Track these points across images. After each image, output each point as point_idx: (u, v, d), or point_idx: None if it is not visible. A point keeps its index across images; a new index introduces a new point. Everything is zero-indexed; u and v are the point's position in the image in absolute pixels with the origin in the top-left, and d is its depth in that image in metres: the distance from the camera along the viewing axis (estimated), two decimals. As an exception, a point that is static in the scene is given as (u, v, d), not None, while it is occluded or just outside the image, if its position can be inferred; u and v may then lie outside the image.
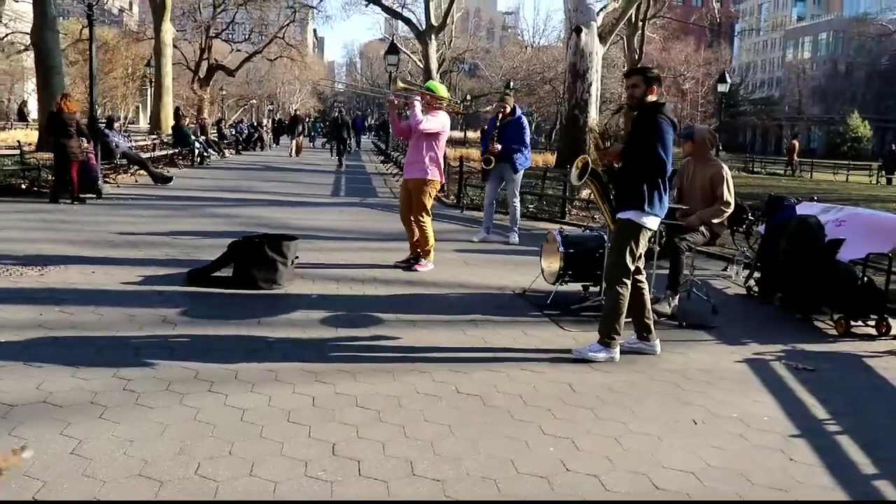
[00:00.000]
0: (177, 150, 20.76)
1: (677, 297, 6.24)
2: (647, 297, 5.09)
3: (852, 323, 6.13)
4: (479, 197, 13.22)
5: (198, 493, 2.96)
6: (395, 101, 7.63)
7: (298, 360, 4.65)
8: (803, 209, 7.85)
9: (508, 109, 9.16)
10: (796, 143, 38.85)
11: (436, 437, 3.61)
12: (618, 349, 4.90)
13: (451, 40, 51.72)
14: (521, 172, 9.32)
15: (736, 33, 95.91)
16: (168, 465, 3.18)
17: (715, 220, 6.41)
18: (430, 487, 3.12)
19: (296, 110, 26.21)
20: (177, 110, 25.17)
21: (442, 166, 7.57)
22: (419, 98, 7.34)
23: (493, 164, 9.14)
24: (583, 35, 20.80)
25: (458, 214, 12.80)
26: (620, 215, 4.87)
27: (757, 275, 7.33)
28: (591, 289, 6.48)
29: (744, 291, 7.38)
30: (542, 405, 4.08)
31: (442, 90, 7.65)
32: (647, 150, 4.71)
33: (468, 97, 49.95)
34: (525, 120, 9.40)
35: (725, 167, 6.53)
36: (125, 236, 8.85)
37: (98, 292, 6.12)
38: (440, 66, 48.70)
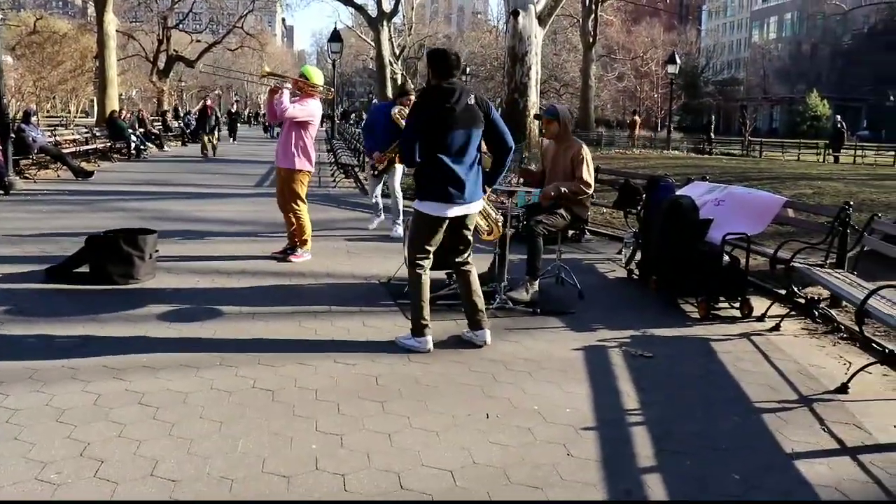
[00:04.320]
0: (111, 144, 20.38)
1: (537, 282, 6.08)
2: (475, 286, 4.93)
3: (720, 305, 6.05)
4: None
5: None
6: (274, 88, 7.41)
7: (109, 355, 4.47)
8: (691, 189, 7.76)
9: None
10: (637, 119, 39.82)
11: (200, 435, 3.45)
12: (428, 338, 4.74)
13: (411, 26, 51.32)
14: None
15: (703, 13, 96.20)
16: None
17: (574, 196, 6.21)
18: (160, 488, 3.00)
19: (204, 101, 23.74)
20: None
21: (312, 156, 7.36)
22: (289, 85, 7.14)
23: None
24: (520, 18, 20.59)
25: (368, 202, 12.54)
26: None
27: (639, 257, 7.21)
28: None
29: (625, 275, 7.27)
30: (332, 399, 3.91)
31: (316, 76, 7.43)
32: None
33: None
34: None
35: (585, 147, 6.35)
36: (10, 234, 8.60)
37: (-61, 291, 5.90)
38: (401, 52, 48.36)
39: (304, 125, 7.18)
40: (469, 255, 4.97)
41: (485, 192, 4.96)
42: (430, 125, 4.61)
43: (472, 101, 4.66)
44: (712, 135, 36.12)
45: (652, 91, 57.71)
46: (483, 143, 4.87)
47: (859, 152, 31.47)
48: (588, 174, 6.21)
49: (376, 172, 8.85)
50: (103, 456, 3.24)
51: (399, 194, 9.08)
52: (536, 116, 14.14)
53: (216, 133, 24.02)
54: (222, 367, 4.35)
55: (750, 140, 36.70)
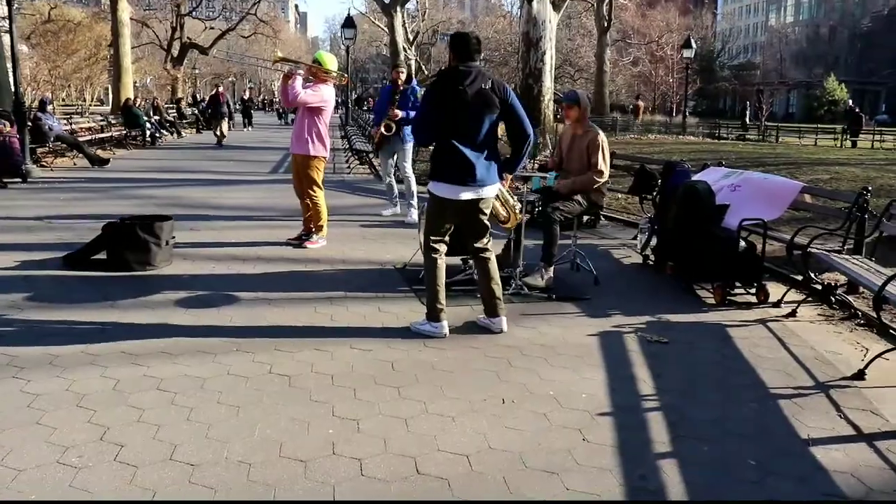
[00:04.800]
0: (126, 132, 20.46)
1: (552, 268, 6.08)
2: (493, 273, 4.92)
3: (736, 290, 6.02)
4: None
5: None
6: (287, 73, 7.43)
7: (127, 341, 4.52)
8: (707, 174, 7.72)
9: (404, 77, 8.95)
10: (641, 104, 39.90)
11: (217, 420, 3.49)
12: (444, 323, 4.75)
13: (424, 12, 51.10)
14: (412, 143, 9.08)
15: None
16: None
17: (588, 186, 6.22)
18: (179, 472, 3.03)
19: (216, 88, 23.57)
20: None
21: (326, 141, 7.37)
22: (302, 70, 7.15)
23: (393, 131, 8.88)
24: (534, 3, 20.48)
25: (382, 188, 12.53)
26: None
27: (654, 243, 7.18)
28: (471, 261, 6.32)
29: (640, 261, 7.24)
30: (349, 385, 3.93)
31: (330, 62, 7.42)
32: None
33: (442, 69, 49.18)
34: (419, 90, 9.13)
35: (602, 134, 6.32)
36: (27, 221, 8.67)
37: (-41, 278, 5.96)
38: (414, 38, 48.14)
39: (317, 111, 7.19)
40: (488, 241, 4.95)
41: (503, 178, 4.94)
42: (440, 106, 4.60)
43: (487, 85, 4.62)
44: (747, 121, 35.99)
45: (667, 76, 57.22)
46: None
47: (877, 137, 31.09)
48: (603, 162, 6.19)
49: (376, 147, 9.18)
50: (123, 440, 3.27)
51: (412, 176, 9.10)
52: (557, 101, 14.10)
53: (227, 121, 23.91)
54: (239, 353, 4.38)
55: (766, 125, 36.39)
